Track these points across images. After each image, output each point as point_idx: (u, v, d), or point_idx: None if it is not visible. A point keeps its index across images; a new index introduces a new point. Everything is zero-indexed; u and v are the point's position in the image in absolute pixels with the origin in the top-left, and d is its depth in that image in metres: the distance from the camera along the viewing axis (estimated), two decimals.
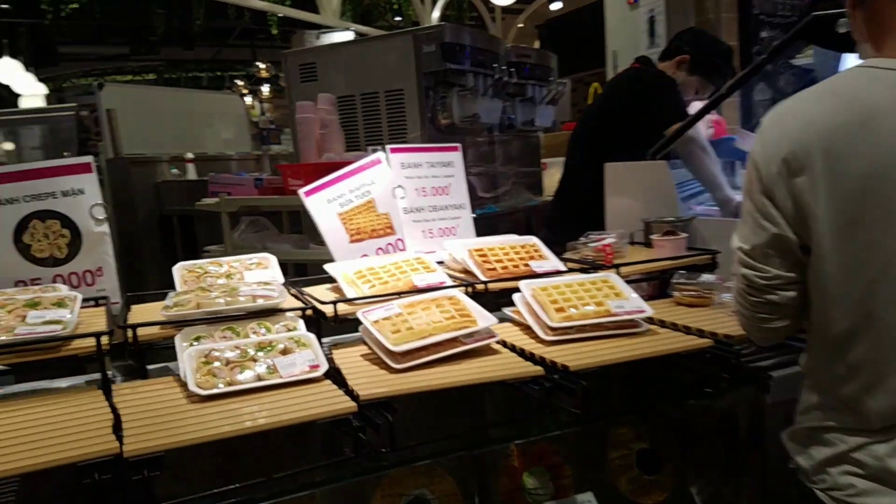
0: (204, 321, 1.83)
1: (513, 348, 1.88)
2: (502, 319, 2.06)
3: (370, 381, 1.65)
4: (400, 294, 2.01)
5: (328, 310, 1.94)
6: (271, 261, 2.35)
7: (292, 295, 2.12)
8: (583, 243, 2.53)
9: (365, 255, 2.51)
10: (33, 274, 2.11)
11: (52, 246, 2.12)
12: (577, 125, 3.88)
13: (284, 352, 1.72)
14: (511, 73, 4.40)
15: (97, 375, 1.71)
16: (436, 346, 1.77)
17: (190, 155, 5.95)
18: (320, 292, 2.20)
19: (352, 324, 1.94)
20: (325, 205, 2.50)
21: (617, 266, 2.27)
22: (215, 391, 1.58)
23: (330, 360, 1.78)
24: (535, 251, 2.35)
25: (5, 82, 12.03)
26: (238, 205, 3.72)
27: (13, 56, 12.03)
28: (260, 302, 1.89)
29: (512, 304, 2.06)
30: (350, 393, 1.59)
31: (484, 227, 3.04)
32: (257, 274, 2.27)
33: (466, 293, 2.08)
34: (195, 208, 3.95)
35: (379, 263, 2.18)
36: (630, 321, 1.92)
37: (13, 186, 2.07)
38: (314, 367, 1.68)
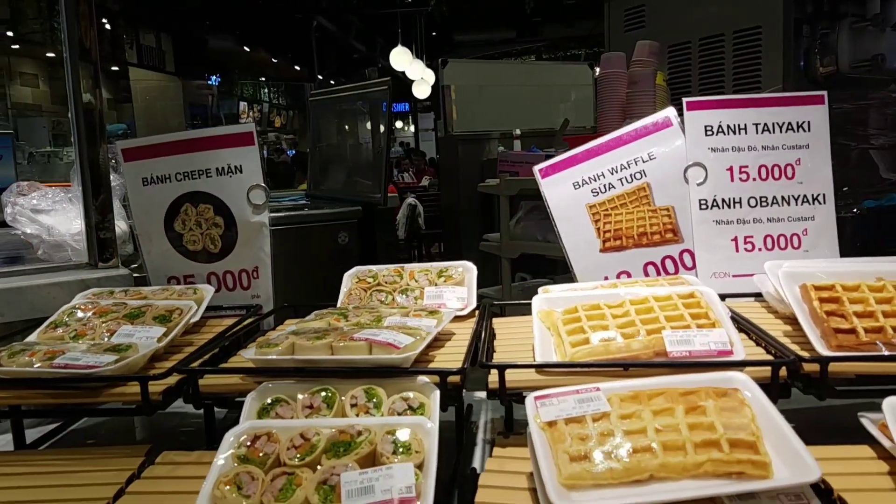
0: (293, 374, 1.14)
1: None
2: (854, 439, 0.97)
3: None
4: (627, 367, 1.06)
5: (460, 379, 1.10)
6: (469, 274, 1.57)
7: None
8: None
9: (624, 273, 1.57)
10: (186, 270, 1.69)
11: (206, 237, 1.67)
12: None
13: (368, 459, 0.94)
14: None
15: None
16: None
17: (517, 131, 5.42)
18: (505, 334, 1.35)
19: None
20: (568, 191, 1.62)
21: None
22: None
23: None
24: None
25: (399, 69, 13.25)
26: (518, 187, 2.99)
27: (408, 45, 13.17)
28: (376, 354, 1.13)
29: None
30: None
31: (876, 231, 1.87)
32: (443, 291, 1.52)
33: (777, 380, 1.03)
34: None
35: (612, 298, 1.24)
36: None
37: (165, 161, 1.66)
38: (408, 502, 0.87)
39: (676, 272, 1.56)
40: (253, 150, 1.64)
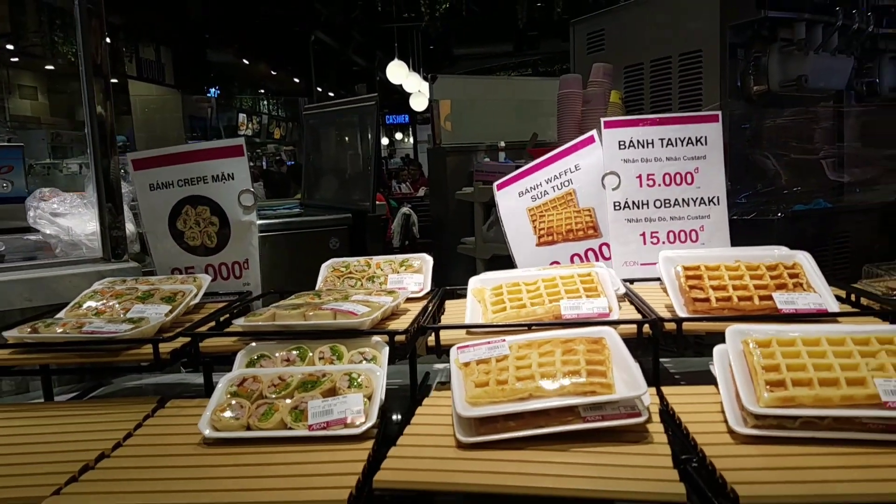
0: (274, 336, 1.46)
1: (685, 436, 1.12)
2: (699, 380, 1.29)
3: (414, 458, 1.09)
4: (531, 326, 1.38)
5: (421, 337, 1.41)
6: (426, 264, 1.88)
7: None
8: None
9: (555, 263, 1.89)
10: (187, 262, 2.00)
11: (203, 234, 1.98)
12: None
13: (329, 392, 1.25)
14: (869, 20, 3.15)
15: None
16: (534, 416, 1.11)
17: (502, 143, 5.75)
18: (453, 310, 1.67)
19: None
20: (514, 199, 1.95)
21: None
22: (221, 435, 1.20)
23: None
24: (795, 275, 1.45)
25: (396, 82, 13.60)
26: (490, 194, 3.30)
27: (406, 58, 13.53)
28: (339, 319, 1.44)
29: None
30: (369, 472, 1.05)
31: (801, 233, 2.18)
32: (403, 278, 1.83)
33: (642, 335, 1.34)
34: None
35: (530, 278, 1.55)
36: None
37: (168, 170, 1.98)
38: (352, 422, 1.18)
39: (597, 261, 1.88)
40: (242, 161, 1.95)
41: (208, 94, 18.13)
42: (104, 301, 1.76)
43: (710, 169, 1.87)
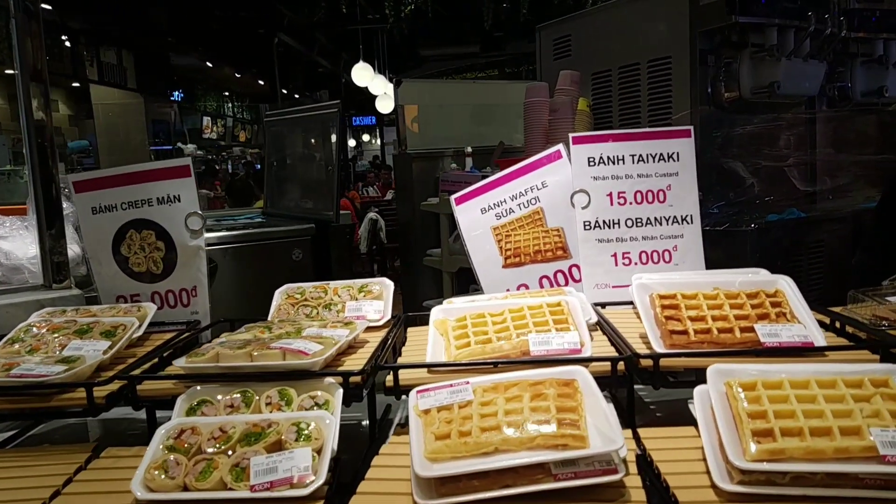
0: (217, 378, 1.34)
1: (664, 489, 1.02)
2: (676, 413, 1.20)
3: None
4: (496, 364, 1.28)
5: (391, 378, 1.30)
6: (386, 290, 1.78)
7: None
8: (889, 293, 1.46)
9: (523, 286, 1.79)
10: (132, 289, 1.87)
11: (149, 260, 1.85)
12: None
13: (275, 446, 1.13)
14: (841, 24, 3.11)
15: None
16: (500, 474, 1.01)
17: (469, 149, 5.65)
18: (415, 340, 1.56)
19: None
20: (476, 215, 1.84)
21: None
22: (155, 497, 1.07)
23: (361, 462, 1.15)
24: (777, 304, 1.37)
25: (361, 85, 13.45)
26: None
27: (370, 60, 13.39)
28: (288, 360, 1.33)
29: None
30: None
31: (775, 243, 2.11)
32: (362, 305, 1.73)
33: (617, 373, 1.25)
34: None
35: (495, 308, 1.45)
36: None
37: (111, 192, 1.84)
38: (299, 481, 1.06)
39: (567, 284, 1.79)
40: (189, 182, 1.82)
41: (172, 98, 17.80)
42: (40, 336, 1.62)
43: (683, 186, 1.79)
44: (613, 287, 1.75)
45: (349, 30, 15.43)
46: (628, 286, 1.67)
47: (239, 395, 1.28)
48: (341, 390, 1.27)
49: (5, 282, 2.18)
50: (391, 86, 14.11)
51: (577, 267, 1.79)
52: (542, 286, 1.79)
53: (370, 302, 1.74)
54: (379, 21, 14.07)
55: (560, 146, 1.84)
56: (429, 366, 1.32)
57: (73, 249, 2.25)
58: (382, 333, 1.63)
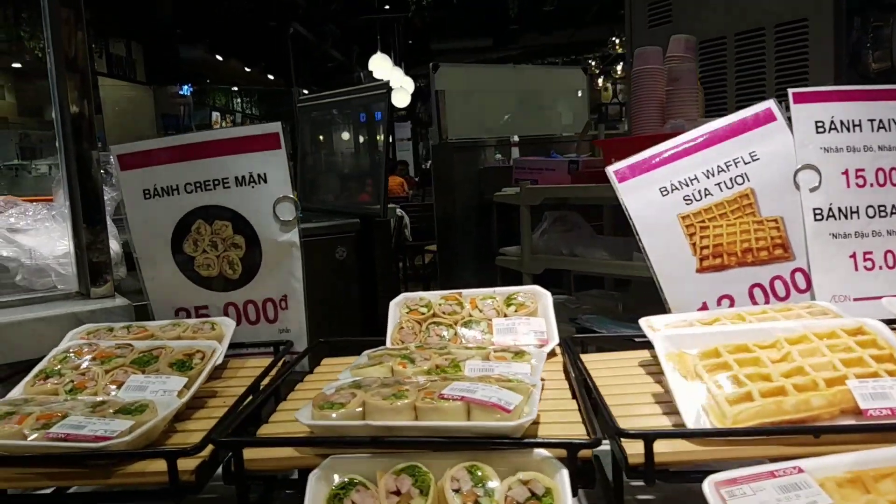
0: (367, 445, 0.88)
1: None
2: None
3: None
4: (818, 433, 0.82)
5: (634, 452, 0.84)
6: (542, 300, 1.32)
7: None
8: None
9: (726, 297, 1.33)
10: (199, 300, 1.41)
11: (222, 260, 1.39)
12: None
13: None
14: None
15: None
16: None
17: (515, 138, 5.20)
18: (610, 378, 1.10)
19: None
20: (653, 198, 1.38)
21: None
22: None
23: None
24: None
25: (380, 77, 13.00)
26: (542, 196, 2.75)
27: (386, 52, 12.93)
28: (476, 417, 0.87)
29: None
30: None
31: None
32: (515, 324, 1.27)
33: None
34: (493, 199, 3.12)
35: (764, 335, 0.99)
36: None
37: (171, 170, 1.38)
38: None
39: (788, 295, 1.33)
40: (279, 156, 1.37)
41: (181, 92, 17.38)
42: (82, 368, 1.17)
43: None
44: (855, 300, 1.29)
45: (365, 20, 15.00)
46: (873, 299, 1.22)
47: (408, 477, 0.82)
48: (565, 471, 0.81)
49: (28, 287, 1.73)
50: (407, 79, 13.68)
51: (803, 272, 1.32)
52: (752, 298, 1.33)
53: (525, 319, 1.29)
54: (395, 10, 13.63)
55: (771, 102, 1.38)
56: (698, 434, 0.86)
57: (111, 246, 1.79)
58: (551, 364, 1.18)
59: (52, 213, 1.78)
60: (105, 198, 1.74)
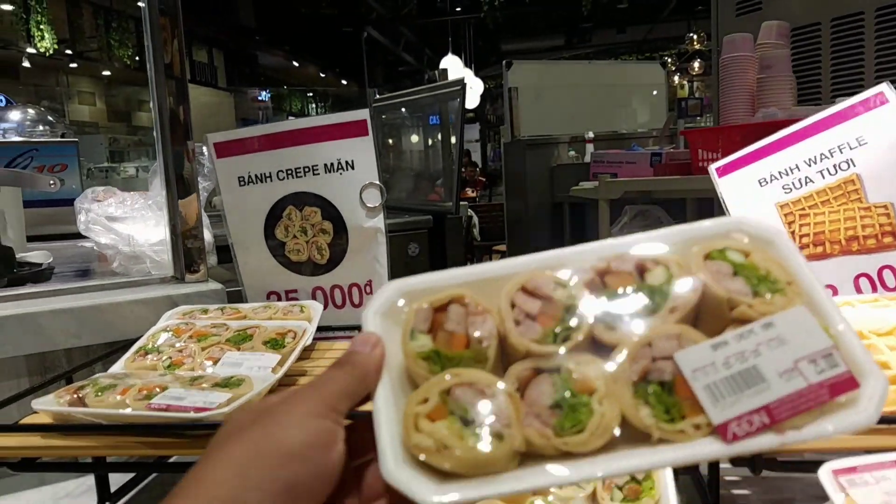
0: None
1: None
2: None
3: None
4: None
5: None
6: None
7: None
8: None
9: (828, 287, 1.26)
10: (289, 284, 1.44)
11: (311, 245, 1.42)
12: None
13: None
14: None
15: None
16: None
17: (590, 134, 5.12)
18: None
19: None
20: (752, 189, 1.33)
21: None
22: None
23: None
24: None
25: (454, 77, 13.06)
26: (622, 189, 2.68)
27: (457, 54, 13.00)
28: None
29: None
30: None
31: None
32: None
33: None
34: (571, 195, 3.07)
35: (883, 322, 0.94)
36: None
37: (264, 157, 1.42)
38: None
39: None
40: (367, 143, 1.38)
41: (259, 98, 17.94)
42: (181, 345, 1.21)
43: None
44: None
45: (434, 24, 15.10)
46: None
47: None
48: None
49: (124, 273, 1.81)
50: (477, 80, 13.68)
51: None
52: (858, 289, 1.26)
53: None
54: (467, 11, 13.67)
55: (884, 85, 1.30)
56: None
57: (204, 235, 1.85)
58: None
59: (148, 203, 1.86)
60: (199, 186, 1.81)
